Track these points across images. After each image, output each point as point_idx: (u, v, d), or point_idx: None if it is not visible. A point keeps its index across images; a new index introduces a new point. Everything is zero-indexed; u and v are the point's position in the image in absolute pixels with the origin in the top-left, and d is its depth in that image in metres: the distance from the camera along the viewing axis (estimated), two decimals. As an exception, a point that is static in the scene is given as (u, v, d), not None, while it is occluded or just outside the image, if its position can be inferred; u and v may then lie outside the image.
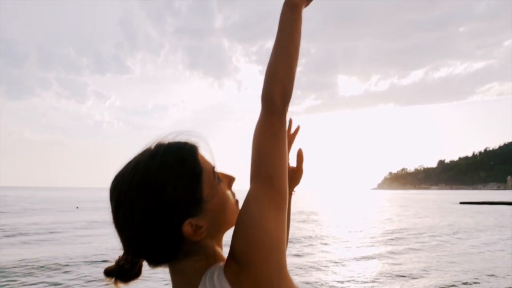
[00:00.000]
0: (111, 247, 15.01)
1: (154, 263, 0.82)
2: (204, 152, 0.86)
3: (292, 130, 1.20)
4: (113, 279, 0.79)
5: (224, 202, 0.84)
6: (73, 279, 10.42)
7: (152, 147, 0.83)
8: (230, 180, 0.90)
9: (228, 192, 0.88)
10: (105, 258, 13.07)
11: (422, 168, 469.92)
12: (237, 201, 0.89)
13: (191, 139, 0.86)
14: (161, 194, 0.76)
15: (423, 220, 31.85)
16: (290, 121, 1.18)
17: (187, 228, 0.78)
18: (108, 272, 0.79)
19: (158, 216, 0.76)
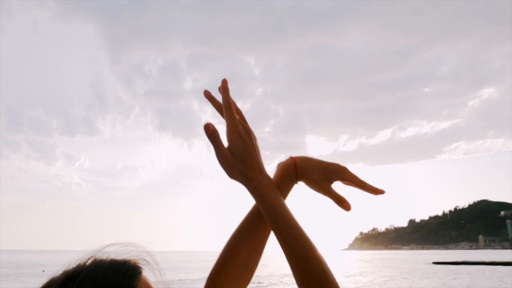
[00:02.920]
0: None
1: None
2: (152, 275, 0.67)
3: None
4: None
5: None
6: None
7: (87, 262, 0.64)
8: None
9: None
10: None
11: (393, 228, 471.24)
12: None
13: (136, 256, 0.67)
14: None
15: (403, 283, 30.33)
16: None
17: None
18: None
19: None
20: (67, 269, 0.62)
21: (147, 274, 0.65)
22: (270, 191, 0.87)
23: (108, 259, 0.63)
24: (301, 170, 0.93)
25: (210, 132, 0.85)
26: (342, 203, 0.94)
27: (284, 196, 0.94)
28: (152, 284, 0.64)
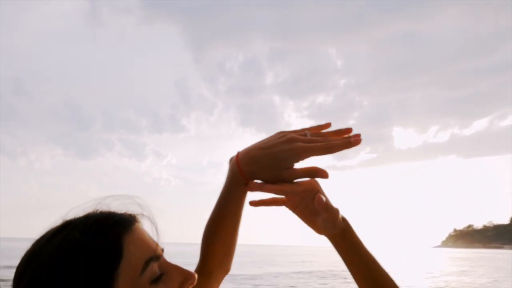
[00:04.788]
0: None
1: None
2: (148, 231, 0.66)
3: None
4: None
5: None
6: None
7: (90, 211, 0.65)
8: (184, 279, 0.63)
9: None
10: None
11: (492, 225, 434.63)
12: None
13: (134, 210, 0.66)
14: (48, 283, 0.55)
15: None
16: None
17: None
18: None
19: None
20: (65, 218, 0.63)
21: (145, 228, 0.65)
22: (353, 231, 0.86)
23: (106, 210, 0.64)
24: (246, 169, 0.79)
25: None
26: (317, 174, 0.79)
27: (238, 206, 0.84)
28: (147, 238, 0.63)
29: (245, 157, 0.80)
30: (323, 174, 0.79)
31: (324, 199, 0.79)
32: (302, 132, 0.82)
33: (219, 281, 0.86)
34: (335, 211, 0.81)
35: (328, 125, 0.85)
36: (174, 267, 0.63)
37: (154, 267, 0.60)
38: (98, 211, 0.63)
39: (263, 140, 0.82)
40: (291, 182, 0.80)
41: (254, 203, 0.85)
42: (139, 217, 0.65)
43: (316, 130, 0.84)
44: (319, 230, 0.84)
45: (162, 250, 0.66)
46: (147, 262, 0.59)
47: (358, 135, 0.80)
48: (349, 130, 0.82)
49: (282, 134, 0.81)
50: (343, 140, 0.79)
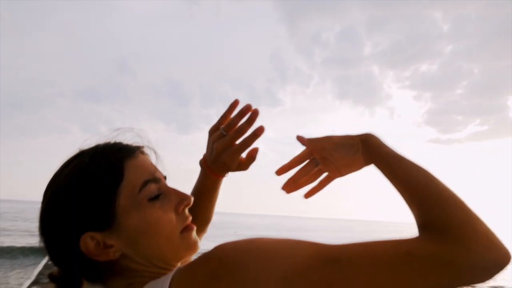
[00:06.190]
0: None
1: (72, 279, 0.70)
2: (148, 159, 0.74)
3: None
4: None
5: (150, 224, 0.67)
6: None
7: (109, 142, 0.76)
8: (180, 200, 0.72)
9: (171, 214, 0.70)
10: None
11: None
12: (188, 228, 0.72)
13: (138, 141, 0.76)
14: (64, 199, 0.66)
15: None
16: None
17: (86, 242, 0.65)
18: (52, 278, 0.72)
19: (56, 223, 0.66)
20: (80, 148, 0.73)
21: (149, 158, 0.74)
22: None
23: (113, 141, 0.74)
24: (218, 174, 0.95)
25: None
26: (255, 152, 0.92)
27: (215, 192, 0.99)
28: (148, 163, 0.72)
29: (212, 166, 0.94)
30: (255, 149, 0.92)
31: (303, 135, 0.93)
32: (218, 130, 0.90)
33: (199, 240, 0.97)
34: (326, 138, 0.90)
35: (236, 102, 0.92)
36: (173, 190, 0.72)
37: (152, 187, 0.69)
38: (106, 142, 0.73)
39: (207, 149, 0.94)
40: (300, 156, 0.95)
41: (308, 195, 0.96)
42: (144, 149, 0.75)
43: (228, 116, 0.92)
44: (356, 161, 0.87)
45: (165, 177, 0.75)
46: (145, 182, 0.68)
47: (257, 115, 0.87)
48: (248, 107, 0.88)
49: (210, 144, 0.92)
50: (251, 133, 0.86)
